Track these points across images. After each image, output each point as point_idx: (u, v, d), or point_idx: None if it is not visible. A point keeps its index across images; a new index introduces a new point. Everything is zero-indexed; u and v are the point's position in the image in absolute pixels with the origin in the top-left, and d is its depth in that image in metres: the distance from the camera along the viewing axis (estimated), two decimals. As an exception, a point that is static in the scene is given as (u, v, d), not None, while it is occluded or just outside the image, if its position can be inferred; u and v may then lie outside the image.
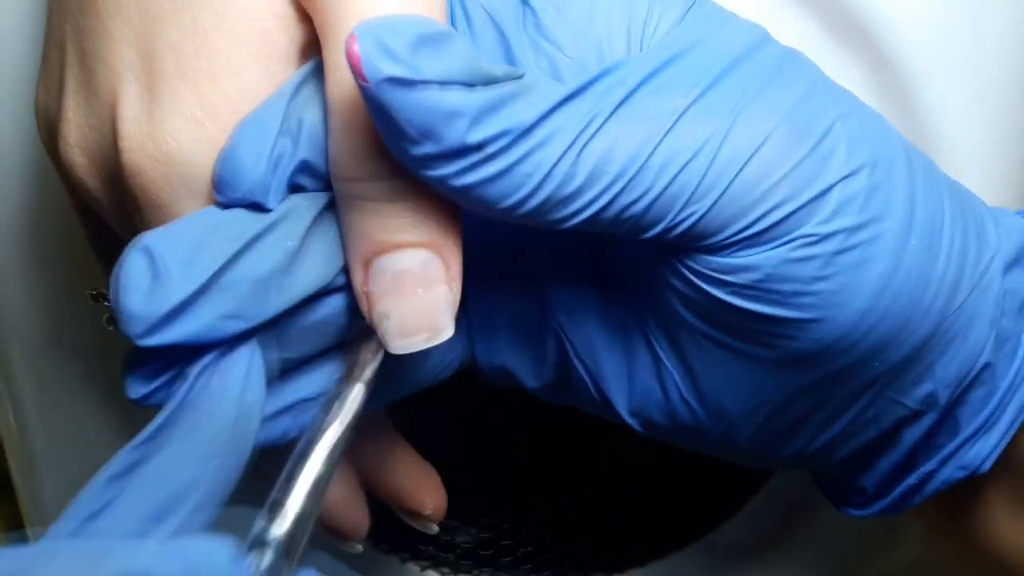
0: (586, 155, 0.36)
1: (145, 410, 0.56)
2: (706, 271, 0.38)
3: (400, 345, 0.37)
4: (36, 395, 0.57)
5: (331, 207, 0.38)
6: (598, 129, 0.36)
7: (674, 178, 0.36)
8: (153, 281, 0.36)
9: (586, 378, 0.42)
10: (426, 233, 0.37)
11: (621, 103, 0.36)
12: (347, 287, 0.39)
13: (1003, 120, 0.50)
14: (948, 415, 0.42)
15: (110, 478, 0.34)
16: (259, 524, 0.34)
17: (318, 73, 0.38)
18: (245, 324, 0.36)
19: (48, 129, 0.43)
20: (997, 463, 0.42)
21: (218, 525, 0.35)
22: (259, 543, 0.34)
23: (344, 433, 0.37)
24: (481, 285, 0.42)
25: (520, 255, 0.41)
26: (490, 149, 0.35)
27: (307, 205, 0.38)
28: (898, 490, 0.43)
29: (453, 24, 0.39)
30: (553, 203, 0.36)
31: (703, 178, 0.36)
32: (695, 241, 0.37)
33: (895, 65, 0.48)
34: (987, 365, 0.41)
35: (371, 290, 0.37)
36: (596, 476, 0.61)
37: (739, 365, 0.40)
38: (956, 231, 0.40)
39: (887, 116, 0.41)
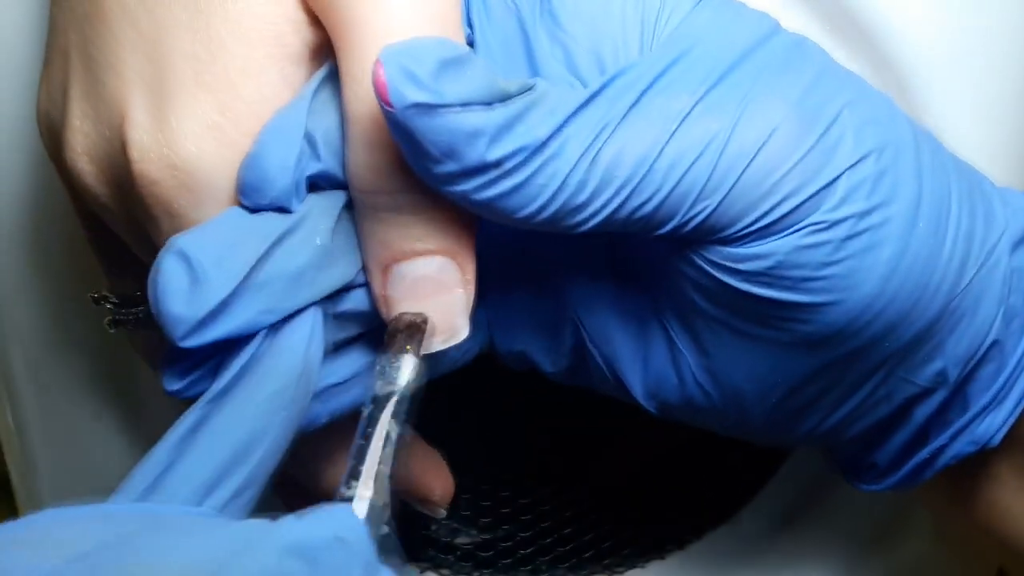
0: (597, 162, 0.37)
1: (145, 412, 0.56)
2: (718, 260, 0.39)
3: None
4: (36, 395, 0.57)
5: (349, 206, 0.39)
6: (609, 136, 0.37)
7: (682, 178, 0.37)
8: (192, 284, 0.36)
9: (602, 363, 0.43)
10: (443, 241, 0.38)
11: (630, 108, 0.37)
12: (368, 284, 0.40)
13: (1003, 119, 0.51)
14: (958, 392, 0.42)
15: (182, 435, 0.36)
16: (346, 491, 0.35)
17: (334, 78, 0.39)
18: (279, 318, 0.38)
19: (51, 135, 0.43)
20: (1006, 438, 0.43)
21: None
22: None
23: (407, 396, 0.37)
24: (498, 275, 0.42)
25: (536, 248, 0.42)
26: (508, 165, 0.36)
27: (327, 205, 0.39)
28: (910, 465, 0.44)
29: (471, 14, 0.40)
30: (567, 211, 0.37)
31: (711, 175, 0.37)
32: (707, 235, 0.38)
33: (895, 65, 0.49)
34: (996, 342, 0.41)
35: (390, 294, 0.39)
36: (595, 478, 0.61)
37: (752, 349, 0.41)
38: (963, 211, 0.40)
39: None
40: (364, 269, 0.39)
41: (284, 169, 0.38)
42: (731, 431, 0.44)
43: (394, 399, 0.37)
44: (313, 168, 0.38)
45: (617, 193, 0.37)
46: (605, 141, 0.37)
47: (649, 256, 0.41)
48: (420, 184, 0.37)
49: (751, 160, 0.37)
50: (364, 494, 0.35)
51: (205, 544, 0.30)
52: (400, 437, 0.36)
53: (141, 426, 0.57)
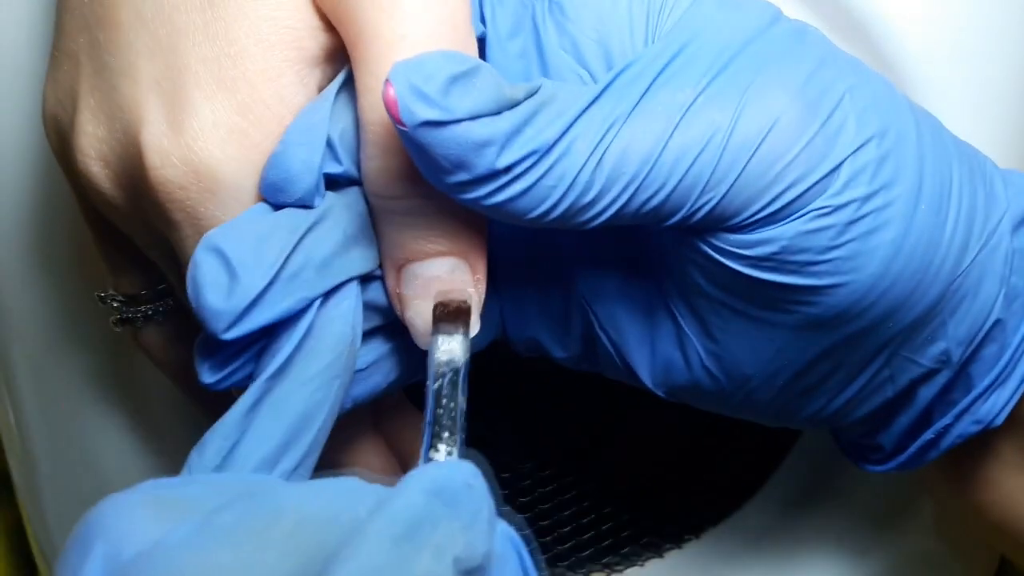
0: (604, 160, 0.37)
1: (146, 411, 0.56)
2: (724, 247, 0.39)
3: (428, 343, 0.40)
4: (36, 395, 0.57)
5: (367, 201, 0.40)
6: (615, 134, 0.37)
7: (687, 171, 0.38)
8: (230, 278, 0.38)
9: (611, 349, 0.43)
10: (455, 243, 0.39)
11: (635, 104, 0.38)
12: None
13: (1003, 119, 0.51)
14: (961, 372, 0.43)
15: (246, 409, 0.38)
16: (435, 455, 0.37)
17: (351, 83, 0.40)
18: (310, 304, 0.39)
19: (58, 137, 0.43)
20: (1010, 418, 0.43)
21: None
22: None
23: (465, 368, 0.39)
24: (509, 265, 0.43)
25: (545, 238, 0.43)
26: (517, 170, 0.37)
27: (347, 201, 0.40)
28: (915, 446, 0.44)
29: (483, 9, 0.40)
30: (576, 209, 0.37)
31: (716, 167, 0.38)
32: (713, 224, 0.39)
33: (895, 65, 0.49)
34: (998, 322, 0.42)
35: (403, 292, 0.40)
36: (594, 478, 0.61)
37: (758, 332, 0.41)
38: (964, 193, 0.41)
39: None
40: (380, 266, 0.41)
41: (309, 169, 0.39)
42: (738, 414, 0.44)
43: (462, 373, 0.39)
44: (331, 168, 0.39)
45: (625, 189, 0.37)
46: (612, 139, 0.37)
47: (656, 243, 0.42)
48: (432, 189, 0.38)
49: (755, 150, 0.38)
50: (454, 455, 0.37)
51: (333, 495, 0.32)
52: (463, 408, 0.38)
53: (142, 425, 0.57)
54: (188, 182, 0.39)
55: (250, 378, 0.40)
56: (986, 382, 0.42)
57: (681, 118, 0.37)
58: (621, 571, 0.60)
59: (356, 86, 0.39)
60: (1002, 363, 0.42)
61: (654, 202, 0.38)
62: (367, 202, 0.40)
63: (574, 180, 0.37)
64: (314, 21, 0.40)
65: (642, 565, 0.60)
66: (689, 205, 0.38)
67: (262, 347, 0.39)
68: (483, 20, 0.41)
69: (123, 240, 0.45)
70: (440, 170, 0.36)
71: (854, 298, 0.39)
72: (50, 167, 0.51)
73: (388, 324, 0.41)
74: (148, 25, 0.40)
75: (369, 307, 0.41)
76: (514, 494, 0.61)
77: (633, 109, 0.37)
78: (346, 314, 0.39)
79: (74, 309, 0.55)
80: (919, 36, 0.49)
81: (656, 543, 0.60)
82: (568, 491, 0.61)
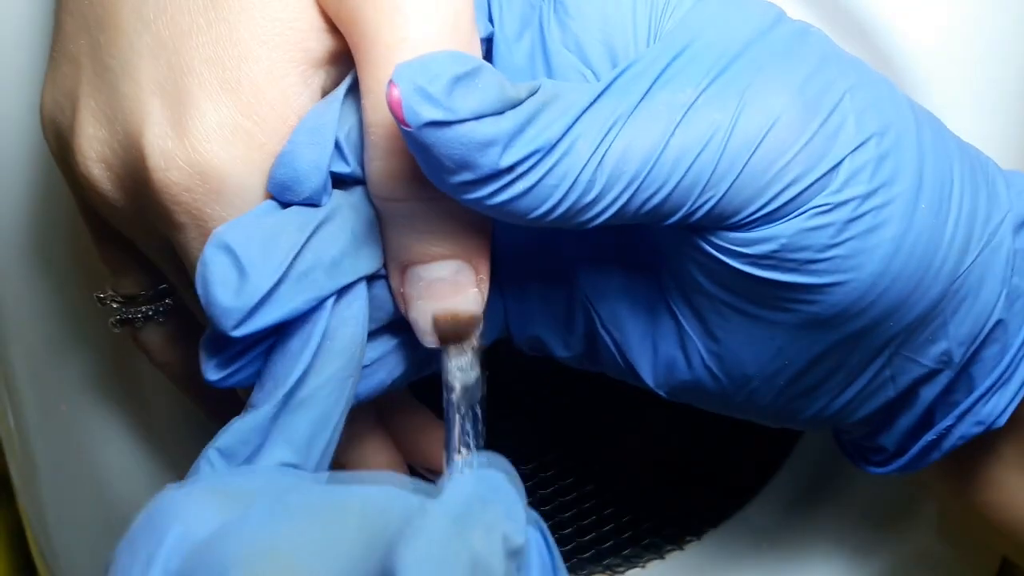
0: (606, 160, 0.37)
1: (147, 411, 0.56)
2: (724, 244, 0.39)
3: (433, 342, 0.40)
4: (36, 395, 0.57)
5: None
6: (617, 133, 0.37)
7: (688, 170, 0.38)
8: (240, 276, 0.38)
9: (612, 348, 0.43)
10: (458, 245, 0.40)
11: (637, 104, 0.38)
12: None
13: (1003, 119, 0.51)
14: (963, 372, 0.43)
15: (273, 413, 0.38)
16: (458, 458, 0.39)
17: (357, 86, 0.40)
18: (319, 302, 0.39)
19: (58, 139, 0.43)
20: (1012, 419, 0.43)
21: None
22: None
23: (476, 384, 0.41)
24: (512, 263, 0.43)
25: (548, 236, 0.43)
26: (520, 169, 0.37)
27: (354, 200, 0.40)
28: (917, 447, 0.44)
29: (491, 9, 0.41)
30: (577, 209, 0.38)
31: (716, 166, 0.38)
32: (713, 223, 0.39)
33: (895, 65, 0.49)
34: (999, 322, 0.42)
35: (407, 292, 0.40)
36: (594, 479, 0.61)
37: (759, 331, 0.41)
38: (965, 193, 0.41)
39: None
40: (385, 266, 0.41)
41: (317, 168, 0.39)
42: (739, 414, 0.44)
43: (478, 385, 0.40)
44: (339, 167, 0.40)
45: (626, 188, 0.38)
46: (613, 139, 0.37)
47: (657, 242, 0.42)
48: (435, 191, 0.38)
49: (755, 149, 0.38)
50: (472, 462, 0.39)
51: (386, 484, 0.34)
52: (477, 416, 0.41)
53: (142, 425, 0.57)
54: (193, 184, 0.39)
55: (255, 377, 0.40)
56: (988, 383, 0.42)
57: (682, 118, 0.38)
58: (622, 572, 0.60)
59: (360, 87, 0.39)
60: (1004, 364, 0.42)
61: (654, 201, 0.38)
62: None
63: (576, 179, 0.37)
64: (319, 23, 0.40)
65: (643, 566, 0.60)
66: (689, 204, 0.38)
67: (270, 346, 0.39)
68: (491, 20, 0.41)
69: (122, 241, 0.45)
70: (444, 170, 0.37)
71: (854, 296, 0.39)
72: (50, 168, 0.51)
73: (392, 322, 0.42)
74: (150, 27, 0.40)
75: (374, 304, 0.41)
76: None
77: (634, 109, 0.38)
78: (358, 315, 0.40)
79: (74, 310, 0.55)
80: (919, 36, 0.49)
81: (657, 544, 0.60)
82: (569, 492, 0.61)
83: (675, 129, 0.37)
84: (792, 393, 0.43)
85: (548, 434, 0.61)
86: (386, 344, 0.42)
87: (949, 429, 0.43)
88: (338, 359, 0.39)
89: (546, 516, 0.60)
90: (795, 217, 0.38)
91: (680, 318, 0.42)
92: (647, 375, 0.43)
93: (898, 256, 0.39)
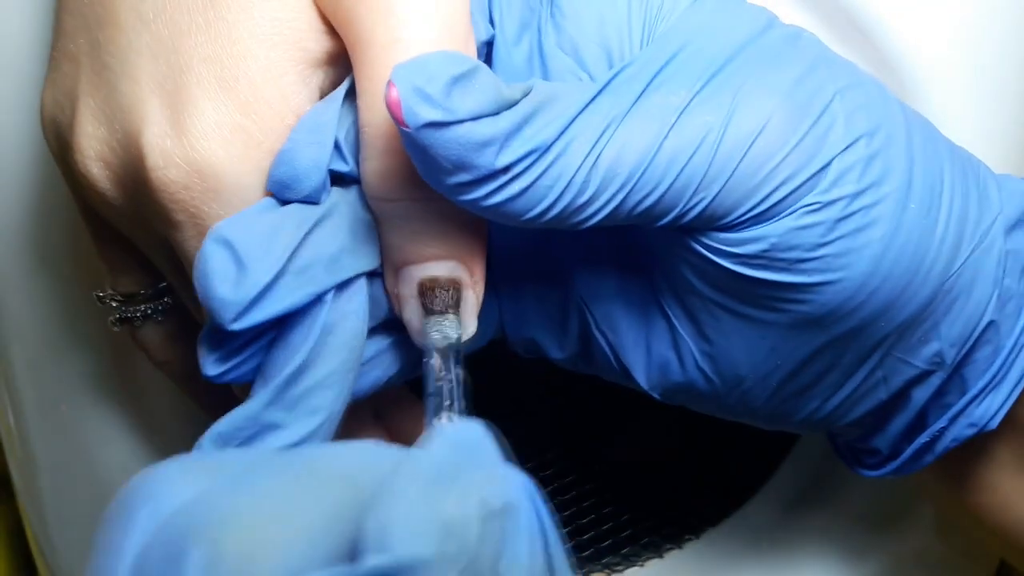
0: (600, 161, 0.37)
1: (146, 411, 0.56)
2: (715, 244, 0.39)
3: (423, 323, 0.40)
4: (36, 395, 0.57)
5: None
6: (612, 135, 0.37)
7: (680, 172, 0.38)
8: (239, 269, 0.38)
9: (607, 349, 0.43)
10: (452, 246, 0.40)
11: (631, 106, 0.38)
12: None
13: (1003, 120, 0.51)
14: (956, 374, 0.43)
15: (265, 403, 0.38)
16: (438, 422, 0.38)
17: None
18: (317, 297, 0.39)
19: (57, 138, 0.43)
20: (1005, 421, 0.43)
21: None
22: None
23: (458, 342, 0.40)
24: (507, 264, 0.43)
25: (543, 237, 0.43)
26: (516, 170, 0.37)
27: (351, 198, 0.40)
28: (910, 449, 0.44)
29: (492, 11, 0.41)
30: (571, 210, 0.38)
31: (708, 168, 0.38)
32: (704, 224, 0.39)
33: (895, 65, 0.49)
34: (991, 323, 0.42)
35: (401, 292, 0.40)
36: (593, 478, 0.61)
37: (751, 331, 0.41)
38: (956, 193, 0.41)
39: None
40: (380, 264, 0.41)
41: (317, 167, 0.39)
42: (733, 416, 0.44)
43: (459, 351, 0.40)
44: (338, 166, 0.40)
45: (619, 190, 0.38)
46: (608, 140, 0.37)
47: (649, 243, 0.42)
48: (430, 191, 0.38)
49: (746, 152, 0.38)
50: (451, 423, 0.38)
51: (359, 452, 0.34)
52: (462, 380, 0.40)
53: (142, 425, 0.57)
54: (191, 182, 0.39)
55: (254, 373, 0.40)
56: (980, 384, 0.43)
57: (675, 121, 0.38)
58: (621, 571, 0.60)
59: (356, 87, 0.39)
60: (996, 365, 0.42)
61: (647, 203, 0.38)
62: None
63: (571, 180, 0.37)
64: (317, 23, 0.40)
65: (642, 565, 0.60)
66: (681, 206, 0.38)
67: (269, 341, 0.40)
68: (492, 23, 0.41)
69: (121, 240, 0.45)
70: (441, 171, 0.37)
71: (844, 296, 0.40)
72: (49, 167, 0.51)
73: (388, 320, 0.42)
74: (149, 25, 0.40)
75: (371, 302, 0.41)
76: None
77: (629, 111, 0.38)
78: (358, 310, 0.40)
79: (73, 309, 0.55)
80: (919, 36, 0.49)
81: (656, 543, 0.60)
82: (568, 491, 0.61)
83: (668, 132, 0.38)
84: (785, 394, 0.43)
85: (547, 433, 0.61)
86: (381, 342, 0.42)
87: (942, 431, 0.43)
88: (341, 353, 0.39)
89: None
90: (785, 217, 0.39)
91: (673, 319, 0.42)
92: (641, 377, 0.43)
93: (888, 255, 0.39)
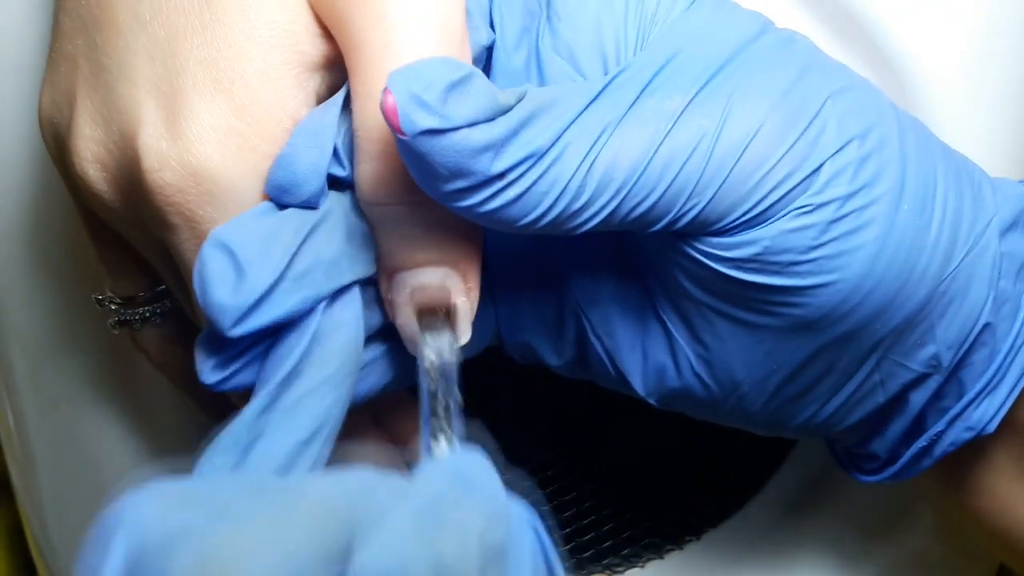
0: (596, 166, 0.37)
1: (146, 412, 0.56)
2: (708, 249, 0.39)
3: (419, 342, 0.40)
4: (36, 395, 0.57)
5: None
6: (607, 141, 0.37)
7: (675, 178, 0.38)
8: (238, 274, 0.37)
9: (603, 355, 0.43)
10: (446, 253, 0.39)
11: (626, 111, 0.38)
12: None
13: (1003, 120, 0.51)
14: (953, 377, 0.43)
15: (259, 412, 0.37)
16: (436, 447, 0.38)
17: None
18: (317, 303, 0.39)
19: (55, 139, 0.43)
20: (1004, 425, 0.43)
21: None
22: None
23: (457, 364, 0.40)
24: (503, 270, 0.43)
25: (539, 243, 0.43)
26: (512, 176, 0.37)
27: (348, 203, 0.40)
28: (908, 454, 0.44)
29: (492, 15, 0.41)
30: (566, 216, 0.38)
31: (703, 174, 0.38)
32: (698, 229, 0.39)
33: (895, 65, 0.49)
34: (987, 326, 0.42)
35: (394, 299, 0.40)
36: (593, 479, 0.61)
37: (747, 336, 0.41)
38: (950, 196, 0.41)
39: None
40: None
41: (316, 171, 0.39)
42: (730, 421, 0.44)
43: (455, 371, 0.39)
44: (336, 171, 0.40)
45: (614, 196, 0.38)
46: (603, 146, 0.37)
47: (644, 248, 0.42)
48: (424, 197, 0.38)
49: (739, 157, 0.38)
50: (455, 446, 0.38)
51: (353, 483, 0.32)
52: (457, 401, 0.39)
53: (142, 426, 0.57)
54: (186, 185, 0.39)
55: (252, 380, 0.39)
56: (977, 387, 0.42)
57: (670, 127, 0.38)
58: (621, 572, 0.60)
59: (351, 91, 0.39)
60: (993, 368, 0.42)
61: (641, 209, 0.38)
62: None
63: (566, 186, 0.37)
64: (314, 27, 0.40)
65: (642, 566, 0.60)
66: (675, 211, 0.38)
67: (267, 347, 0.39)
68: (493, 28, 0.41)
69: (119, 242, 0.45)
70: (437, 178, 0.36)
71: (839, 298, 0.40)
72: (48, 169, 0.51)
73: (384, 327, 0.41)
74: (146, 27, 0.40)
75: (367, 308, 0.41)
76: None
77: (623, 116, 0.38)
78: (352, 318, 0.39)
79: (73, 310, 0.55)
80: (919, 36, 0.49)
81: (656, 544, 0.60)
82: (568, 492, 0.61)
83: (664, 137, 0.38)
84: (781, 399, 0.43)
85: (547, 434, 0.61)
86: (377, 349, 0.42)
87: (940, 435, 0.43)
88: (333, 361, 0.39)
89: (551, 511, 0.61)
90: (777, 220, 0.39)
91: (668, 324, 0.42)
92: (637, 383, 0.43)
93: (882, 257, 0.39)
